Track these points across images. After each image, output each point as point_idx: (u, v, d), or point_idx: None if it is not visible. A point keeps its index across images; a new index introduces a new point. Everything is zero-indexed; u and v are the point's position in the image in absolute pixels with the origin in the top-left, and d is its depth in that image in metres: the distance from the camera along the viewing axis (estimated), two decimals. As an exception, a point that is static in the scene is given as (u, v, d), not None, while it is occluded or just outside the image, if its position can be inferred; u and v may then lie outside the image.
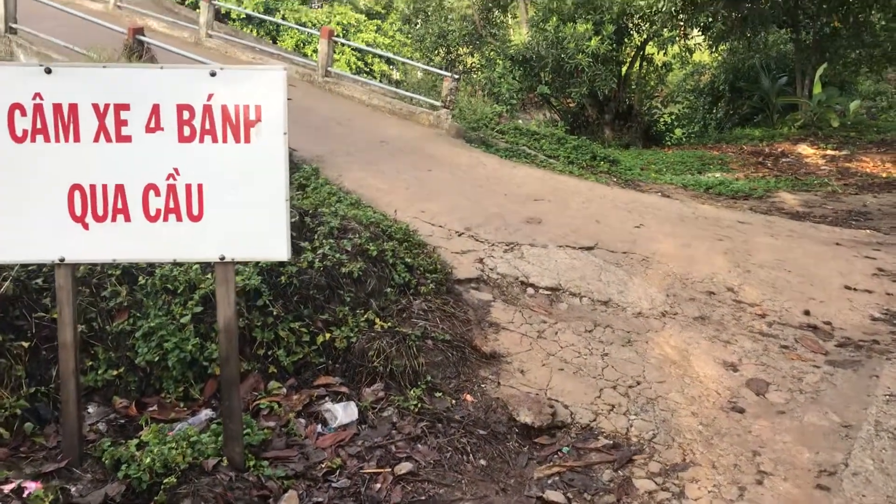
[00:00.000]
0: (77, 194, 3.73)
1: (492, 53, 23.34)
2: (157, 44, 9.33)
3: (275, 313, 5.00)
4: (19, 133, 3.65)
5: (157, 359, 4.65)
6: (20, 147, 3.66)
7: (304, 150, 9.02)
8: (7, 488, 3.28)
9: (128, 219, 3.77)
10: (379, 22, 36.88)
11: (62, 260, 3.76)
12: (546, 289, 6.48)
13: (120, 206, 3.76)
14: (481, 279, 6.50)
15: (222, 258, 3.86)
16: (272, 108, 3.79)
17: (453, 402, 4.80)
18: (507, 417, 4.69)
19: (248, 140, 3.79)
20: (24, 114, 3.64)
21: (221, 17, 29.60)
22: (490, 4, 25.18)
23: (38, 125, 3.65)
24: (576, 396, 5.00)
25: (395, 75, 34.64)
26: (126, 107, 3.70)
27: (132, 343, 4.71)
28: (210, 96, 3.74)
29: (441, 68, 23.72)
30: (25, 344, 4.44)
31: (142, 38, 9.16)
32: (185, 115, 3.74)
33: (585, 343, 5.68)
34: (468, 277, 6.46)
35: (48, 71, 3.63)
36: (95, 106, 3.68)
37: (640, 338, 5.82)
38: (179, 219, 3.81)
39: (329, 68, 12.56)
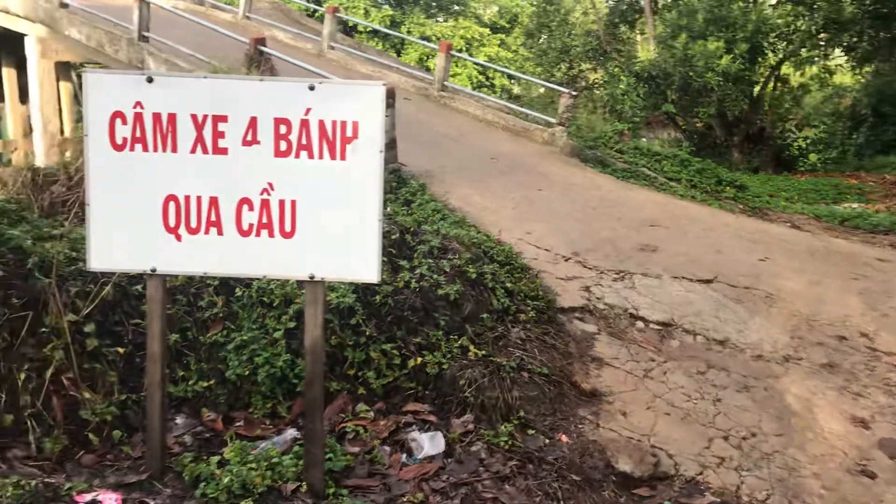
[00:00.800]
0: (172, 205, 3.69)
1: (616, 69, 22.77)
2: (277, 54, 9.50)
3: (367, 333, 4.85)
4: (119, 141, 3.65)
5: (247, 373, 4.59)
6: (119, 155, 3.66)
7: (413, 164, 8.93)
8: (82, 500, 3.24)
9: (220, 232, 3.70)
10: (503, 36, 36.85)
11: (154, 270, 3.73)
12: (657, 323, 6.07)
13: (213, 218, 3.69)
14: (586, 309, 6.16)
15: (312, 277, 3.73)
16: (370, 125, 3.64)
17: (547, 441, 4.50)
18: (605, 463, 4.35)
19: (343, 157, 3.66)
20: (124, 122, 3.63)
21: (349, 30, 30.36)
22: (616, 20, 24.66)
23: (138, 134, 3.64)
24: (682, 445, 4.60)
25: (515, 90, 34.50)
26: (224, 118, 3.64)
27: (224, 355, 4.67)
28: (308, 111, 3.63)
29: (562, 84, 23.35)
30: (121, 350, 4.47)
31: (263, 48, 9.33)
32: (283, 129, 3.64)
33: (697, 386, 5.25)
34: (573, 306, 6.14)
35: (150, 80, 3.62)
36: (194, 116, 3.63)
37: (758, 384, 5.34)
38: (271, 235, 3.71)
39: (445, 83, 12.48)
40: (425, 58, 30.56)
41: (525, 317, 5.58)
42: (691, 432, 4.73)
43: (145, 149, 3.65)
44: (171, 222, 3.70)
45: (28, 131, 22.23)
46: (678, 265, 7.20)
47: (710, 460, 4.49)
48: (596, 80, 25.83)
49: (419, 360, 4.84)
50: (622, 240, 7.70)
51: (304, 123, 3.63)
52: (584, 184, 9.56)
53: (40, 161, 13.42)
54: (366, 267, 3.73)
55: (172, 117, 3.63)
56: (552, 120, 11.41)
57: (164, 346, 3.85)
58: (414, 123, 11.14)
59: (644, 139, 19.69)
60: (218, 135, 3.65)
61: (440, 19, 36.86)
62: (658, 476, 4.32)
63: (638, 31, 26.18)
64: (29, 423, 3.96)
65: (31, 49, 14.44)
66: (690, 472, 4.38)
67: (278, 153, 3.66)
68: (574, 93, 11.50)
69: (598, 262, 7.03)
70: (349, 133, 3.64)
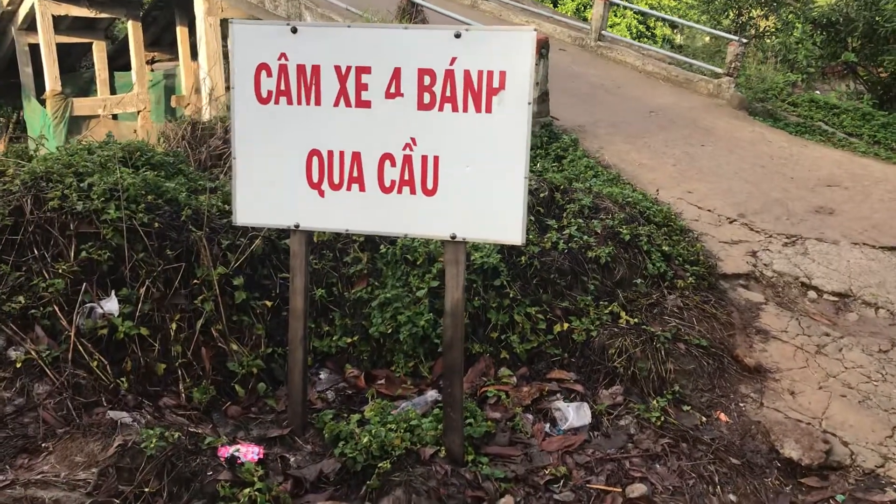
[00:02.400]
0: (315, 160, 3.61)
1: (790, 16, 21.00)
2: (429, 6, 9.33)
3: (511, 295, 4.65)
4: (264, 94, 3.60)
5: (390, 331, 4.53)
6: (265, 109, 3.61)
7: (565, 119, 8.54)
8: (223, 453, 3.27)
9: (362, 188, 3.59)
10: (666, -17, 35.02)
11: (297, 226, 3.69)
12: (832, 294, 5.49)
13: (356, 174, 3.59)
14: (752, 276, 5.66)
15: (453, 237, 3.56)
16: (518, 75, 3.38)
17: (703, 419, 4.16)
18: (769, 447, 3.95)
19: (489, 110, 3.43)
20: (269, 74, 3.57)
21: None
22: (792, -39, 22.69)
23: (282, 86, 3.57)
24: (859, 432, 4.12)
25: (678, 39, 32.74)
26: (367, 69, 3.50)
27: (368, 312, 4.63)
28: (453, 60, 3.41)
29: (730, 33, 21.85)
30: (268, 303, 4.51)
31: (416, 0, 9.19)
32: (426, 80, 3.45)
33: (878, 366, 4.69)
34: (736, 273, 5.65)
35: (294, 30, 3.52)
36: (337, 68, 3.51)
37: (953, 368, 4.70)
38: (413, 192, 3.56)
39: (603, 32, 11.87)
40: (582, 8, 29.56)
41: (683, 283, 5.18)
42: (871, 418, 4.23)
43: (290, 102, 3.58)
44: (315, 178, 3.63)
45: (198, 87, 23.48)
46: (858, 230, 6.48)
47: (893, 451, 3.99)
48: (767, 28, 23.98)
49: (566, 325, 4.59)
50: (794, 201, 7.03)
51: (449, 74, 3.43)
52: (753, 139, 8.82)
53: (206, 115, 14.09)
54: (510, 227, 3.51)
55: (316, 69, 3.53)
56: (718, 70, 10.60)
57: (306, 302, 3.82)
58: (568, 75, 10.70)
59: (818, 91, 18.07)
60: (361, 87, 3.52)
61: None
62: (830, 465, 3.88)
63: (817, -27, 23.98)
64: (180, 372, 4.07)
65: (199, 6, 15.07)
66: (869, 463, 3.91)
67: (421, 106, 3.48)
68: (744, 40, 10.60)
69: (766, 225, 6.45)
70: (496, 84, 3.40)
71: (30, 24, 25.19)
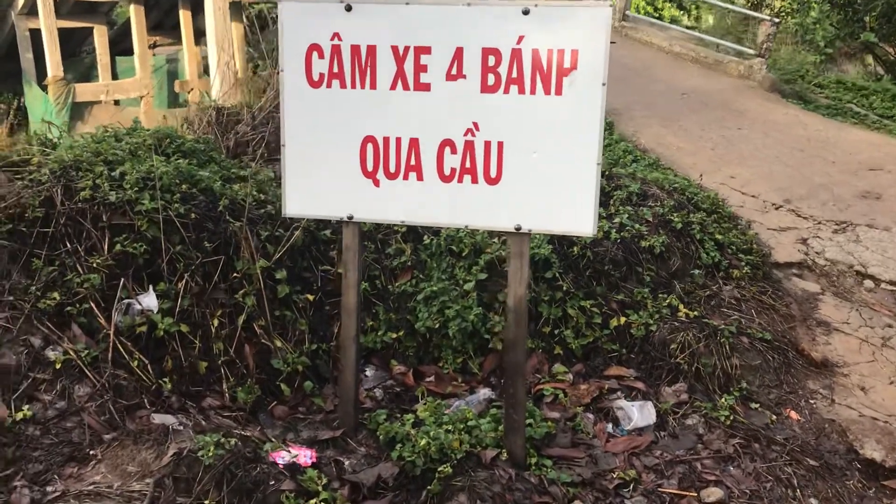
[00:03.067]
0: (370, 147, 3.39)
1: (807, -5, 20.65)
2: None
3: (564, 288, 4.44)
4: (316, 77, 3.37)
5: (437, 326, 4.31)
6: (316, 93, 3.38)
7: (597, 101, 8.28)
8: (280, 461, 3.07)
9: (420, 177, 3.37)
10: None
11: (350, 217, 3.47)
12: (890, 283, 5.27)
13: (413, 162, 3.36)
14: (804, 265, 5.44)
15: (518, 228, 3.34)
16: (591, 54, 3.16)
17: (773, 417, 3.95)
18: (846, 448, 3.75)
19: (559, 92, 3.20)
20: (321, 56, 3.34)
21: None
22: (808, -62, 22.28)
23: (335, 69, 3.34)
24: (938, 431, 3.91)
25: (685, 20, 32.32)
26: (427, 50, 3.26)
27: (413, 306, 4.41)
28: (520, 39, 3.18)
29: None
30: (311, 297, 4.30)
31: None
32: (491, 60, 3.22)
33: (948, 360, 4.49)
34: (789, 261, 5.43)
35: (348, 8, 3.28)
36: (395, 48, 3.28)
37: None
38: (475, 181, 3.34)
39: (627, 12, 11.60)
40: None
41: (738, 273, 4.97)
42: (949, 416, 4.02)
43: (343, 85, 3.36)
44: (370, 166, 3.40)
45: (202, 72, 23.19)
46: (910, 216, 6.26)
47: (975, 452, 3.79)
48: (783, 8, 23.64)
49: (622, 319, 4.38)
50: (839, 186, 6.79)
51: (516, 53, 3.19)
52: (788, 122, 8.57)
53: (216, 97, 13.79)
54: (580, 218, 3.29)
55: (372, 49, 3.30)
56: (748, 50, 10.32)
57: (359, 298, 3.61)
58: (593, 57, 10.41)
59: (834, 72, 17.76)
60: (420, 68, 3.29)
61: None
62: (913, 467, 3.68)
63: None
64: (222, 371, 3.86)
65: (210, -11, 14.68)
66: (952, 464, 3.70)
67: (485, 88, 3.25)
68: (776, 20, 10.33)
69: (813, 212, 6.22)
70: (567, 64, 3.17)
71: (30, 9, 24.84)
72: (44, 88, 25.50)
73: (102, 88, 25.72)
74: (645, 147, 7.20)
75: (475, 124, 3.29)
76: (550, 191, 3.30)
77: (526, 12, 3.16)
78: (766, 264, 5.28)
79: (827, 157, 7.50)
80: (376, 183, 3.41)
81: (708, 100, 9.02)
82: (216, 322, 3.98)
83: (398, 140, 3.36)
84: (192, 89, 24.25)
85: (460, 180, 3.35)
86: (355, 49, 3.31)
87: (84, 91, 24.39)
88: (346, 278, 3.57)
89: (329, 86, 3.37)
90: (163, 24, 27.39)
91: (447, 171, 3.35)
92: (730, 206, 6.06)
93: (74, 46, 28.74)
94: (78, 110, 26.17)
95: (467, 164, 3.33)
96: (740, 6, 22.43)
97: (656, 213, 5.12)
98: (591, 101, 3.19)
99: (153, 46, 28.89)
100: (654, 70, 10.10)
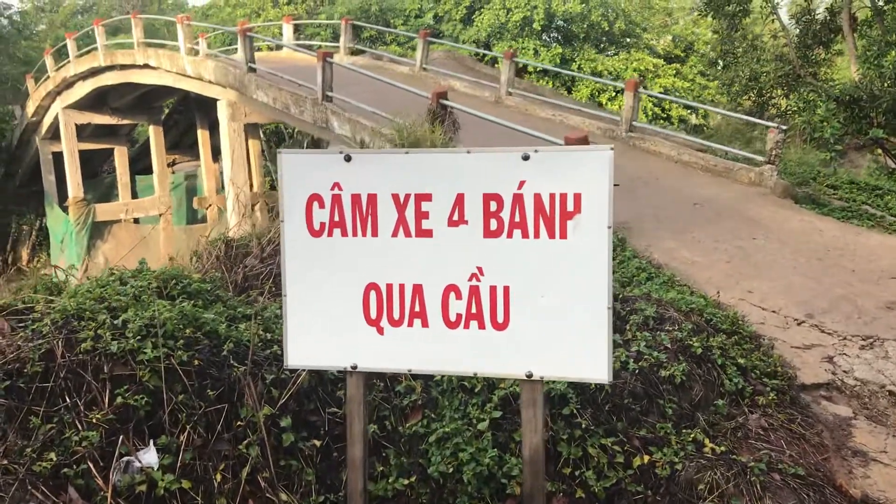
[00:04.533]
0: (373, 294, 3.31)
1: (811, 95, 20.97)
2: (458, 107, 9.19)
3: (583, 425, 4.24)
4: (317, 226, 3.33)
5: (451, 470, 4.10)
6: (317, 242, 3.34)
7: (608, 215, 8.23)
8: None
9: (425, 324, 3.28)
10: (678, 66, 35.49)
11: (354, 367, 3.35)
12: (926, 404, 5.02)
13: (417, 309, 3.28)
14: (833, 385, 5.21)
15: (529, 375, 3.21)
16: (595, 196, 3.11)
17: (814, 566, 3.66)
18: None
19: (563, 235, 3.13)
20: (322, 205, 3.32)
21: (519, 71, 30.21)
22: (809, 41, 22.80)
23: (336, 217, 3.31)
24: None
25: (693, 120, 32.90)
26: (428, 197, 3.23)
27: (425, 448, 4.22)
28: (521, 184, 3.14)
29: (751, 113, 21.90)
30: (318, 443, 4.12)
31: (445, 101, 9.08)
32: (493, 206, 3.18)
33: None
34: (816, 383, 5.21)
35: (348, 158, 3.27)
36: (395, 196, 3.25)
37: None
38: (482, 326, 3.23)
39: (634, 122, 11.73)
40: (596, 94, 29.91)
41: (764, 399, 4.75)
42: None
43: (344, 233, 3.31)
44: (373, 314, 3.32)
45: (220, 188, 23.64)
46: (939, 328, 6.04)
47: None
48: (789, 107, 23.97)
49: (646, 458, 4.15)
50: (862, 297, 6.61)
51: (518, 198, 3.15)
52: (804, 229, 8.47)
53: (230, 215, 14.04)
54: (594, 364, 3.17)
55: (372, 198, 3.27)
56: (757, 157, 10.34)
57: (366, 451, 3.45)
58: (603, 169, 10.46)
59: (846, 167, 17.83)
60: (421, 215, 3.25)
61: (610, 53, 36.01)
62: None
63: (835, 52, 24.11)
64: (225, 531, 3.65)
65: (223, 112, 15.22)
66: None
67: (488, 233, 3.20)
68: (784, 126, 10.39)
69: (837, 326, 6.02)
70: (570, 207, 3.12)
71: (53, 134, 25.83)
72: (65, 209, 26.03)
73: (122, 208, 26.25)
74: (658, 263, 7.09)
75: (479, 269, 3.22)
76: (561, 336, 3.19)
77: (526, 158, 3.13)
78: (793, 387, 5.06)
79: (846, 266, 7.35)
80: (380, 331, 3.32)
81: (720, 209, 8.96)
82: (219, 477, 3.81)
83: (401, 287, 3.29)
84: (209, 205, 24.68)
85: (467, 326, 3.25)
86: (356, 198, 3.28)
87: (104, 211, 24.87)
88: (350, 430, 3.43)
89: (330, 234, 3.32)
90: (181, 143, 28.20)
91: (453, 318, 3.26)
92: (750, 323, 5.88)
93: (96, 167, 29.54)
94: (98, 230, 26.61)
95: (473, 310, 3.23)
96: (745, 108, 22.85)
97: (674, 338, 4.96)
98: (598, 244, 3.11)
99: (172, 164, 29.68)
100: (663, 180, 10.11)
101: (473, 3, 33.44)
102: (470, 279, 3.23)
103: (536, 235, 3.15)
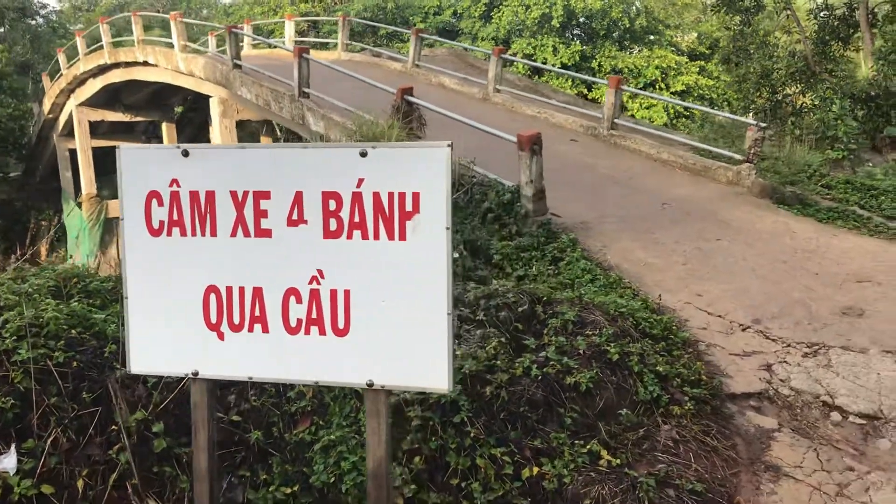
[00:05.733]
0: (213, 298, 3.16)
1: (828, 92, 20.41)
2: (425, 104, 9.01)
3: (473, 434, 4.05)
4: (156, 224, 3.19)
5: (332, 479, 3.95)
6: (157, 241, 3.19)
7: (569, 215, 8.01)
8: None
9: (265, 329, 3.12)
10: (702, 63, 34.99)
11: (196, 374, 3.21)
12: (859, 416, 4.74)
13: (258, 313, 3.12)
14: (765, 395, 4.95)
15: (370, 384, 3.04)
16: (433, 197, 2.92)
17: (695, 590, 3.44)
18: None
19: (402, 237, 2.96)
20: (161, 203, 3.17)
21: (536, 70, 29.93)
22: (826, 37, 22.22)
23: (175, 216, 3.16)
24: None
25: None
26: (266, 195, 3.07)
27: (311, 456, 4.07)
28: (360, 182, 2.97)
29: (765, 111, 21.44)
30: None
31: (410, 98, 8.90)
32: (332, 204, 3.01)
33: (915, 512, 3.93)
34: (747, 392, 4.96)
35: (185, 154, 3.12)
36: (234, 194, 3.10)
37: None
38: (322, 332, 3.07)
39: (616, 120, 11.44)
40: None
41: (680, 410, 4.52)
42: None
43: (183, 233, 3.16)
44: (213, 318, 3.17)
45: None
46: (893, 335, 5.74)
47: None
48: (804, 104, 23.39)
49: (535, 469, 3.96)
50: (819, 301, 6.32)
51: (357, 197, 2.98)
52: (775, 230, 8.15)
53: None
54: (434, 372, 2.99)
55: (211, 195, 3.12)
56: (736, 156, 10.01)
57: (213, 461, 3.30)
58: (577, 167, 10.23)
59: (870, 164, 17.29)
60: (260, 214, 3.09)
61: (633, 51, 35.58)
62: None
63: (853, 48, 23.50)
64: (83, 540, 3.54)
65: (215, 109, 15.21)
66: None
67: (328, 234, 3.03)
68: (763, 125, 10.04)
69: (784, 332, 5.75)
70: (409, 207, 2.94)
71: (69, 131, 26.17)
72: (80, 206, 26.29)
73: (134, 204, 26.26)
74: (610, 264, 6.84)
75: (320, 272, 3.06)
76: (402, 343, 3.01)
77: (364, 154, 2.96)
78: (719, 397, 4.82)
79: (811, 269, 7.04)
80: (221, 336, 3.17)
81: (690, 209, 8.67)
82: (81, 482, 3.70)
83: (241, 290, 3.14)
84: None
85: (307, 332, 3.09)
86: (194, 195, 3.13)
87: (116, 207, 25.01)
88: (196, 439, 3.28)
89: (170, 234, 3.18)
90: (197, 139, 28.33)
91: (293, 323, 3.10)
92: (689, 328, 5.66)
93: (113, 164, 29.80)
94: (111, 226, 26.81)
95: (313, 315, 3.07)
96: (759, 105, 22.33)
97: (591, 343, 4.75)
98: (437, 247, 2.93)
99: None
100: (638, 179, 9.83)
101: (493, 0, 33.30)
102: (310, 282, 3.07)
103: (376, 237, 2.98)
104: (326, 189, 3.01)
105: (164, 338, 3.23)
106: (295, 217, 3.05)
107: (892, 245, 8.15)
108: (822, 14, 22.63)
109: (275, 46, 18.50)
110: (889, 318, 6.05)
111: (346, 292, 3.04)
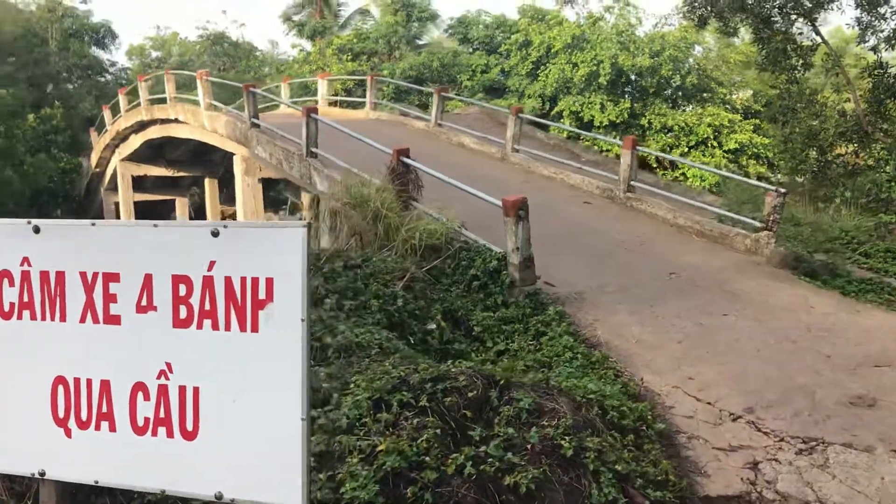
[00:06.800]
0: (61, 390, 2.85)
1: (882, 153, 19.54)
2: (423, 168, 8.66)
3: (387, 547, 3.60)
4: (6, 307, 2.90)
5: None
6: (6, 325, 2.90)
7: (566, 283, 7.53)
8: None
9: (112, 428, 2.79)
10: (757, 121, 34.28)
11: (42, 474, 2.86)
12: (852, 531, 4.13)
13: (105, 409, 2.80)
14: (745, 499, 4.37)
15: (219, 497, 2.66)
16: (288, 283, 2.57)
17: None
18: None
19: (255, 328, 2.61)
20: (11, 283, 2.89)
21: (585, 126, 29.62)
22: (881, 95, 21.39)
23: (26, 298, 2.88)
24: None
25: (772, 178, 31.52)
26: (115, 277, 2.77)
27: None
28: (211, 265, 2.65)
29: (814, 172, 20.77)
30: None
31: (406, 159, 8.61)
32: (182, 290, 2.68)
33: None
34: (724, 495, 4.39)
35: (36, 230, 2.84)
36: (83, 275, 2.80)
37: None
38: (170, 434, 2.72)
39: (632, 182, 10.97)
40: (668, 149, 29.34)
41: (636, 517, 3.98)
42: None
43: (33, 317, 2.87)
44: (61, 412, 2.85)
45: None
46: (906, 430, 5.08)
47: None
48: (857, 165, 22.47)
49: (449, 592, 3.47)
50: (825, 388, 5.69)
51: (208, 282, 2.65)
52: (791, 305, 7.51)
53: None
54: (286, 486, 2.59)
55: (61, 276, 2.83)
56: (754, 222, 9.41)
57: (60, 573, 2.92)
58: (586, 231, 9.76)
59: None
60: (109, 298, 2.78)
61: (685, 108, 35.04)
62: None
63: (905, 107, 22.59)
64: None
65: (238, 167, 15.25)
66: None
67: (178, 322, 2.70)
68: (783, 191, 9.45)
69: (778, 424, 5.14)
70: (262, 294, 2.59)
71: (115, 185, 26.79)
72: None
73: (177, 258, 26.72)
74: (599, 340, 6.33)
75: (168, 365, 2.72)
76: (253, 450, 2.64)
77: (215, 234, 2.63)
78: (691, 500, 4.26)
79: (823, 350, 6.40)
80: (68, 433, 2.84)
81: (700, 279, 8.09)
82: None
83: (89, 382, 2.81)
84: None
85: (154, 433, 2.73)
86: (44, 276, 2.84)
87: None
88: (42, 549, 2.91)
89: (20, 317, 2.89)
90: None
91: (140, 422, 2.75)
92: (672, 418, 5.11)
93: (161, 216, 30.53)
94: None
95: (161, 414, 2.72)
96: (808, 167, 21.53)
97: (545, 436, 4.26)
98: (291, 341, 2.56)
99: (232, 217, 30.26)
100: (650, 245, 9.29)
101: (540, 58, 33.35)
102: (158, 377, 2.72)
103: (227, 327, 2.63)
104: (176, 272, 2.68)
105: (10, 433, 2.91)
106: (144, 303, 2.73)
107: (924, 323, 7.42)
108: (876, 71, 21.88)
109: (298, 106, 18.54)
110: (904, 410, 5.39)
111: (196, 390, 2.68)
